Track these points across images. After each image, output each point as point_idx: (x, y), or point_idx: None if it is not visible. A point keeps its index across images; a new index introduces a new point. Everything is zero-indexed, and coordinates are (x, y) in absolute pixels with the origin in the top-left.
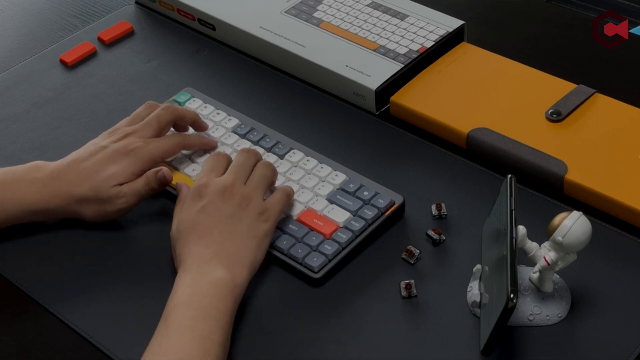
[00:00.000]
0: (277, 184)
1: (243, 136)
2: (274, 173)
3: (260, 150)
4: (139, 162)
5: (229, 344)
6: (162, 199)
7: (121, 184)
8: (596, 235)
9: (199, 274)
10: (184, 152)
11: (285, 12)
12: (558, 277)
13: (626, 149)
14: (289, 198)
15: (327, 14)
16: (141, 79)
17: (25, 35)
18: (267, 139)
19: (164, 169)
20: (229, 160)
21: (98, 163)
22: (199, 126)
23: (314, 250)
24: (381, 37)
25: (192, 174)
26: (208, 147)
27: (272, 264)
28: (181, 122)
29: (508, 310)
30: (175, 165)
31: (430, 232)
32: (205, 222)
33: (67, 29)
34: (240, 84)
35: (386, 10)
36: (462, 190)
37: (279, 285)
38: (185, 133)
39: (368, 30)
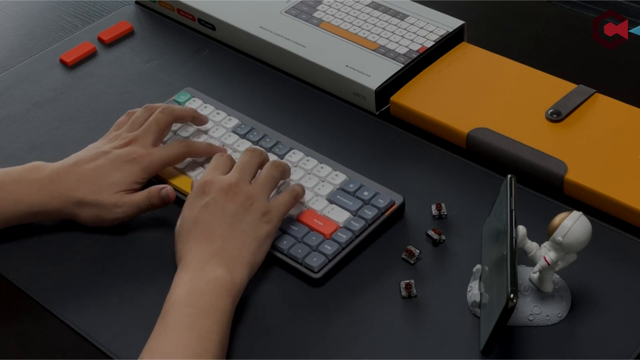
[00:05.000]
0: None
1: (243, 136)
2: (282, 173)
3: None
4: (141, 171)
5: (228, 343)
6: None
7: (124, 192)
8: (596, 235)
9: (199, 272)
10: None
11: (285, 12)
12: (558, 277)
13: (626, 149)
14: (295, 200)
15: (327, 14)
16: (141, 79)
17: (25, 35)
18: (267, 139)
19: (168, 188)
20: (232, 162)
21: (100, 168)
22: (199, 121)
23: (314, 250)
24: (381, 37)
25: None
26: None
27: (272, 264)
28: (181, 122)
29: (508, 310)
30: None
31: (430, 232)
32: (207, 219)
33: (67, 29)
34: (240, 84)
35: (386, 10)
36: (462, 190)
37: (279, 285)
38: (192, 140)
39: (368, 30)
